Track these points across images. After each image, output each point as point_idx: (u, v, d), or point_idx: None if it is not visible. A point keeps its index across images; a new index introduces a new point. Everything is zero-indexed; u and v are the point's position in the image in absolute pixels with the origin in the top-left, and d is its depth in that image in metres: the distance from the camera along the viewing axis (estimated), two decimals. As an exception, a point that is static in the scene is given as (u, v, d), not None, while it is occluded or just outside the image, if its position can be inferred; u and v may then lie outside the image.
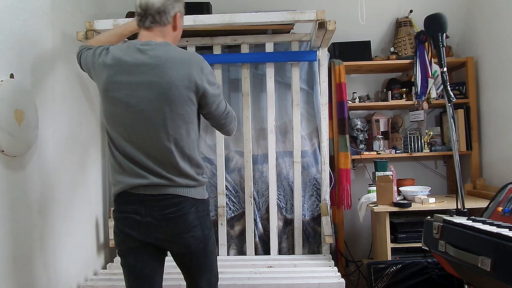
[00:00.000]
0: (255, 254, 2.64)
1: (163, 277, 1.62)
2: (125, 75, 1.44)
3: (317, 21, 2.19)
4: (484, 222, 1.47)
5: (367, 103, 2.89)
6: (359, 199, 2.70)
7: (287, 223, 2.68)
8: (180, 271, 1.63)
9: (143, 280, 1.54)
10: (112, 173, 1.53)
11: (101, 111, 1.49)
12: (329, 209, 2.53)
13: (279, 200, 2.69)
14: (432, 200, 2.44)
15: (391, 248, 2.39)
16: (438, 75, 2.67)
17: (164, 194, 1.46)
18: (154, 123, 1.43)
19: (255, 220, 2.67)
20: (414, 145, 2.81)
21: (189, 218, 1.49)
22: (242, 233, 2.67)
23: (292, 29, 2.63)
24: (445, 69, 1.79)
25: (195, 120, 1.51)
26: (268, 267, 2.37)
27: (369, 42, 2.87)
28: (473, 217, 1.56)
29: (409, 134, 2.82)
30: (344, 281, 2.07)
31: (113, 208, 1.56)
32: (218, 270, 1.68)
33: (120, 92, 1.45)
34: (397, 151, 2.85)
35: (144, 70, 1.43)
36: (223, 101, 1.57)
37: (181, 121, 1.45)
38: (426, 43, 2.70)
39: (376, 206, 2.42)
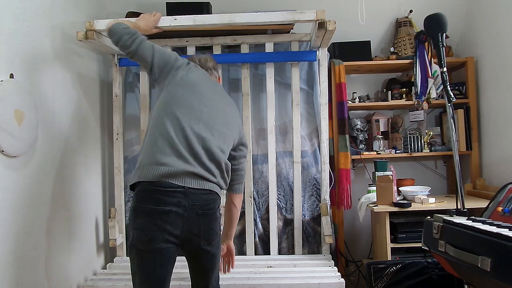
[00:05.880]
0: (255, 254, 2.64)
1: None
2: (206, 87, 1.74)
3: (317, 21, 2.19)
4: (484, 222, 1.47)
5: (367, 103, 2.89)
6: (359, 199, 2.70)
7: (287, 223, 2.68)
8: (190, 270, 1.67)
9: (159, 284, 1.52)
10: (154, 154, 1.50)
11: (155, 99, 1.70)
12: (329, 209, 2.53)
13: (279, 200, 2.69)
14: (432, 200, 2.44)
15: (391, 248, 2.39)
16: (438, 75, 2.66)
17: (205, 190, 1.55)
18: (218, 123, 1.67)
19: (255, 220, 2.66)
20: (414, 145, 2.80)
21: (217, 215, 1.63)
22: (242, 233, 2.67)
23: (292, 29, 2.63)
24: (445, 69, 1.79)
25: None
26: (268, 267, 2.37)
27: (369, 42, 2.87)
28: (473, 217, 1.56)
29: (409, 134, 2.82)
30: (344, 281, 2.08)
31: (133, 203, 1.51)
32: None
33: (200, 87, 1.69)
34: (397, 151, 2.84)
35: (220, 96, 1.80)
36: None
37: (228, 135, 1.73)
38: (426, 43, 2.69)
39: (376, 206, 2.42)
